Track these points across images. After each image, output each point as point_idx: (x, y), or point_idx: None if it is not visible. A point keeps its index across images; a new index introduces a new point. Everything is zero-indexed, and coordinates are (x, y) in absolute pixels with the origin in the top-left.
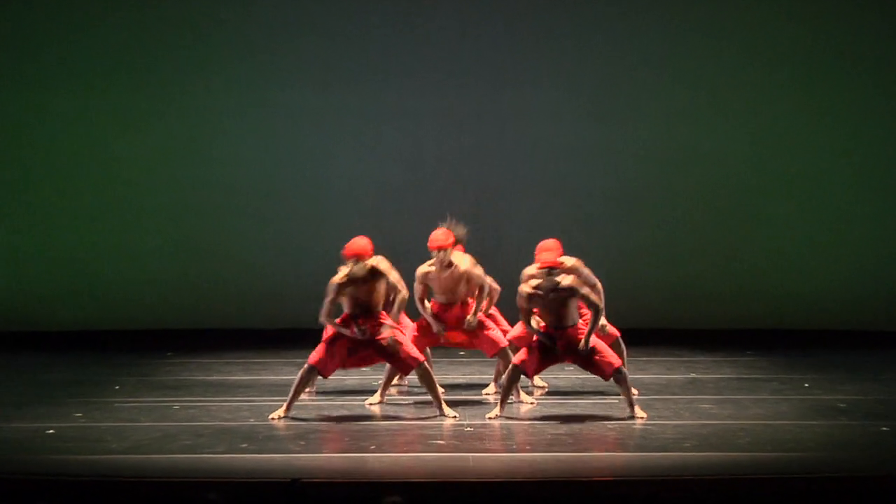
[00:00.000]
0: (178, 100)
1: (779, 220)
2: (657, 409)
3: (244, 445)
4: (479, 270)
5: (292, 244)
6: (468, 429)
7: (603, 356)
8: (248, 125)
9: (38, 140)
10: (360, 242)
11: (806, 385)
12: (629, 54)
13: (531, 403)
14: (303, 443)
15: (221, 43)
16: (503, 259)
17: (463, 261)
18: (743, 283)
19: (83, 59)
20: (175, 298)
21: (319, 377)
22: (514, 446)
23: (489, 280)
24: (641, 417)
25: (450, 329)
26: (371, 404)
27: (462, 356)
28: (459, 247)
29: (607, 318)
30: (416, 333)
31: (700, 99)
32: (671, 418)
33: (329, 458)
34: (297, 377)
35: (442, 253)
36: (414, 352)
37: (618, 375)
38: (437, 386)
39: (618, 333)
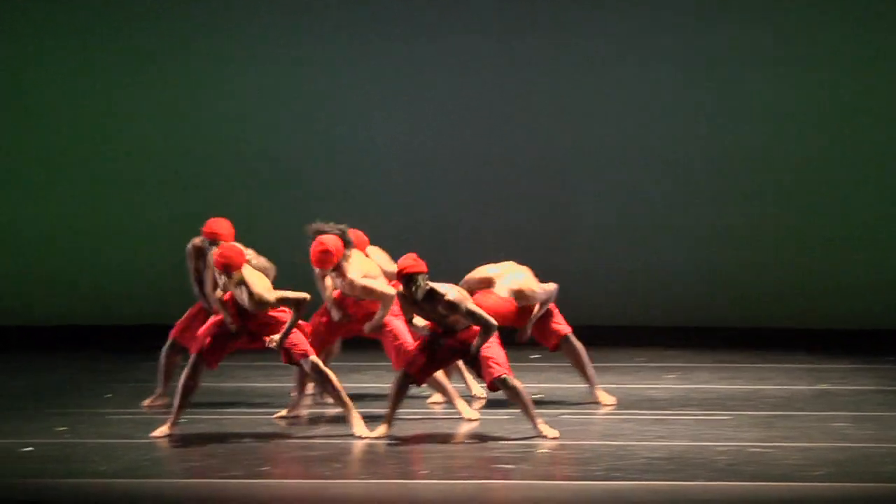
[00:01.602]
0: (180, 54)
1: None
2: (778, 428)
3: (265, 469)
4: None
5: (307, 221)
6: (541, 451)
7: (489, 360)
8: (258, 83)
9: (9, 96)
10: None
11: None
12: None
13: (472, 420)
14: (337, 465)
15: None
16: (574, 245)
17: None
18: (887, 271)
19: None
20: (180, 287)
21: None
22: (599, 473)
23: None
24: (551, 437)
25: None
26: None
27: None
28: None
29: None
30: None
31: (830, 43)
32: (797, 440)
33: (368, 486)
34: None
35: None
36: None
37: (503, 386)
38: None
39: (567, 331)
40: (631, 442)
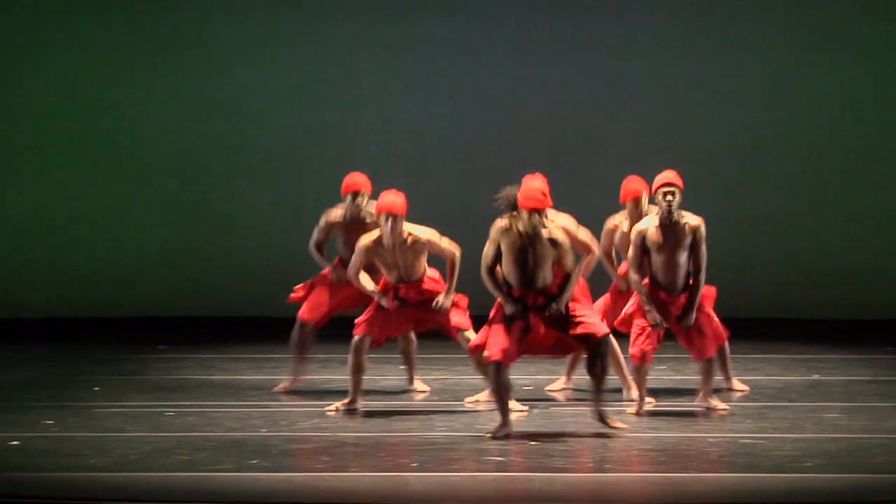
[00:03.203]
0: (186, 36)
1: None
2: (771, 419)
3: (255, 462)
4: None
5: (316, 210)
6: (534, 443)
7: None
8: (261, 64)
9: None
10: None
11: None
12: None
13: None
14: (327, 458)
15: None
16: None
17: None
18: (879, 260)
19: None
20: (170, 278)
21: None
22: (591, 465)
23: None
24: (619, 427)
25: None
26: (553, 391)
27: None
28: None
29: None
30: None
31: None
32: (789, 430)
33: (359, 479)
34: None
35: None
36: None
37: (600, 348)
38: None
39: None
40: (623, 434)
